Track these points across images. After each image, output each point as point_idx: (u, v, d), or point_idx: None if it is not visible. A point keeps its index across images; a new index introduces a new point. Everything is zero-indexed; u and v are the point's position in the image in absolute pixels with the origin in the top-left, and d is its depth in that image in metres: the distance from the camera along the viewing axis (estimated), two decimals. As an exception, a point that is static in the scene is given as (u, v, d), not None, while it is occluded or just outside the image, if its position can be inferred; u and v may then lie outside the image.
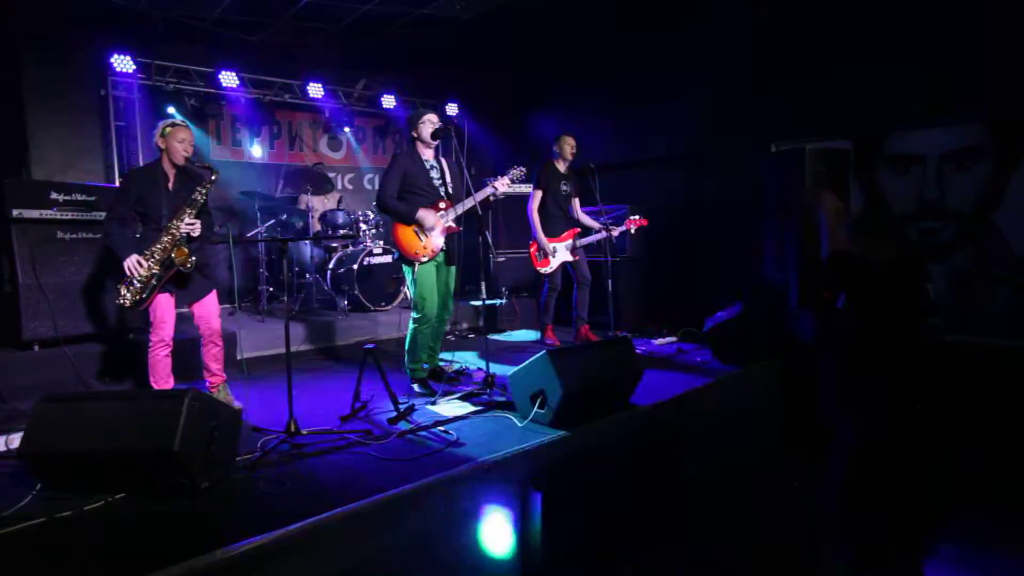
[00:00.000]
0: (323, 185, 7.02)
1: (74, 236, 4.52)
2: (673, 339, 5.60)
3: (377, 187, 4.17)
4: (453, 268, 4.28)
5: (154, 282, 3.47)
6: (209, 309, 3.74)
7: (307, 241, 6.72)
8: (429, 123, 4.13)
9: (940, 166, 4.78)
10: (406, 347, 4.16)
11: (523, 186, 5.62)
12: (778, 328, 4.70)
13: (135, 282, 3.46)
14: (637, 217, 5.38)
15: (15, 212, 4.29)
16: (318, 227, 6.79)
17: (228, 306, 6.26)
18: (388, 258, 6.34)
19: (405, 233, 4.05)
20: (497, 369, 4.20)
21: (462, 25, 6.91)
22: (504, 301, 6.65)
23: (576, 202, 5.51)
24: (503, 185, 4.26)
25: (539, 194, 5.30)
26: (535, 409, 3.30)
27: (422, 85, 8.16)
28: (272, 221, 6.59)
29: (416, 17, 6.69)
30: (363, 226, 6.61)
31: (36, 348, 4.36)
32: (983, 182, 4.59)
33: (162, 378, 3.63)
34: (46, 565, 2.12)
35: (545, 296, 5.46)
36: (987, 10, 4.42)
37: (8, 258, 4.33)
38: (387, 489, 2.51)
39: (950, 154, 4.74)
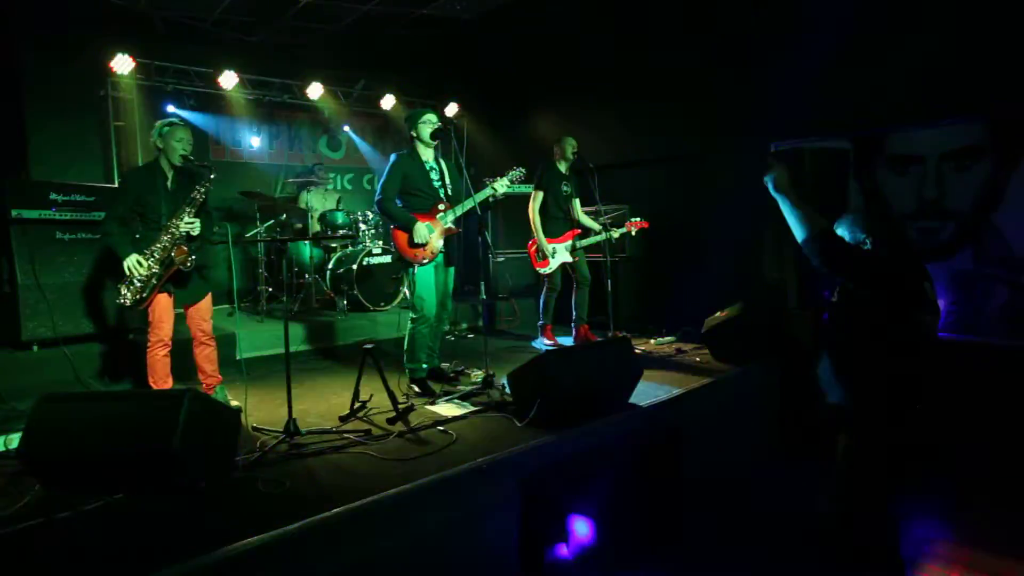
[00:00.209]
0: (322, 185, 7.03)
1: (73, 236, 4.53)
2: (672, 339, 5.60)
3: (377, 187, 4.17)
4: (452, 269, 4.28)
5: (154, 281, 3.48)
6: (203, 310, 3.76)
7: (307, 241, 6.72)
8: (428, 123, 4.12)
9: (940, 166, 4.78)
10: (405, 347, 4.16)
11: (523, 187, 5.62)
12: (777, 328, 4.70)
13: (135, 281, 3.46)
14: (638, 219, 5.38)
15: (14, 212, 4.29)
16: (318, 227, 6.79)
17: (227, 306, 6.26)
18: (387, 258, 6.34)
19: (405, 235, 4.05)
20: (497, 369, 4.20)
21: (462, 25, 6.92)
22: (504, 301, 6.65)
23: (577, 203, 5.51)
24: (503, 186, 4.26)
25: (540, 195, 5.30)
26: (534, 409, 3.29)
27: (422, 85, 8.15)
28: (272, 221, 6.59)
29: (416, 17, 6.69)
30: (362, 226, 6.61)
31: (35, 348, 4.37)
32: (983, 182, 4.59)
33: (161, 378, 3.63)
34: (46, 565, 2.11)
35: (544, 296, 5.46)
36: (987, 10, 4.42)
37: (7, 258, 4.34)
38: (386, 489, 2.51)
39: (950, 154, 4.73)
